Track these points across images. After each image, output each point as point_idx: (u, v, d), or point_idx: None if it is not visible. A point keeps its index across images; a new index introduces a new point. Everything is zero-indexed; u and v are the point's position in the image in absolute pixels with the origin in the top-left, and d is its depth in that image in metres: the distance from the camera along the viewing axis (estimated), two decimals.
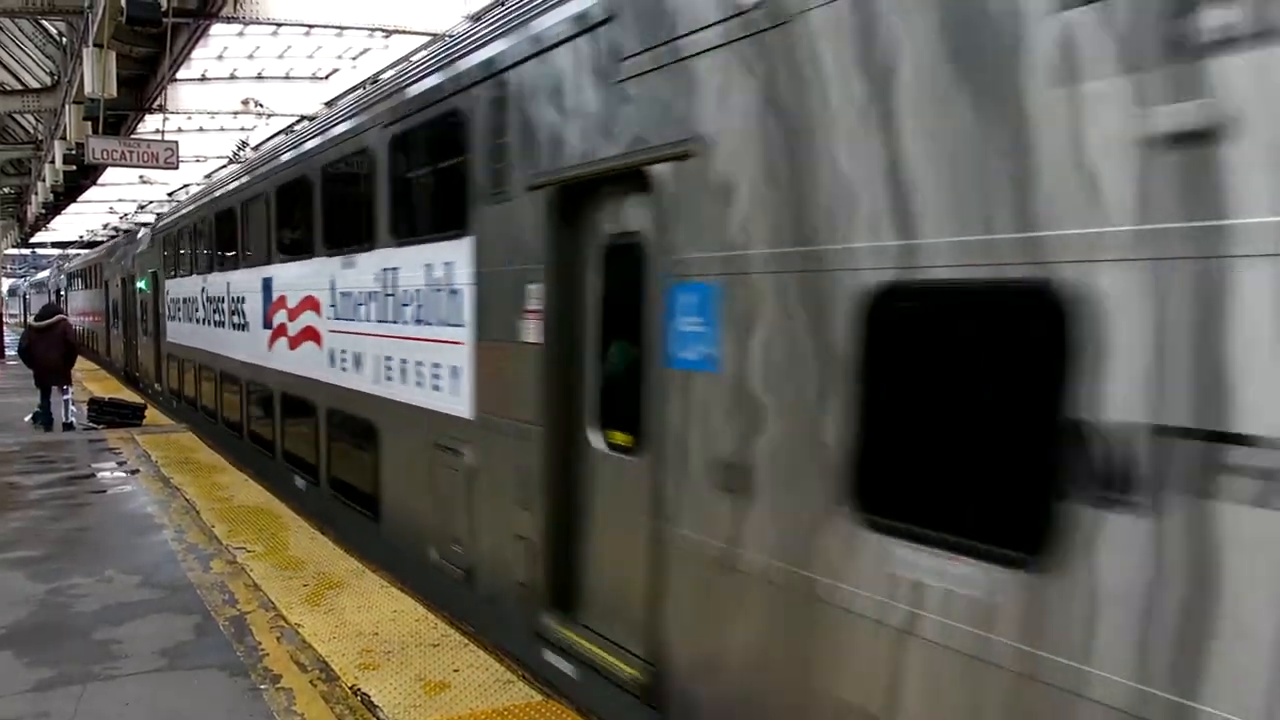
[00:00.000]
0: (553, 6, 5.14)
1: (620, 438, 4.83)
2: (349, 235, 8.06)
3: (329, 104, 17.37)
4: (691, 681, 4.13)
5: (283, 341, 10.11)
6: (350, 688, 5.03)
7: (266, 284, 10.61)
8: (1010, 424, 2.81)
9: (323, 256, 8.83)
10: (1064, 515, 2.59)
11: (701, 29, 3.94)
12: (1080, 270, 2.56)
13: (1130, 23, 2.46)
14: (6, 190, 34.61)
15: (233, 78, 20.64)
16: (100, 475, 11.14)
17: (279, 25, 14.97)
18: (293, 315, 9.74)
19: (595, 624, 5.01)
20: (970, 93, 2.86)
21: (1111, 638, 2.51)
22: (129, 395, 17.98)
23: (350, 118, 8.30)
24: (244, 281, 11.66)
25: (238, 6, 13.24)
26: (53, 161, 21.10)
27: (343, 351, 8.36)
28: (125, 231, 28.89)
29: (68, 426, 14.86)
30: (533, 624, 5.30)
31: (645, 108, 4.34)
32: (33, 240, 55.79)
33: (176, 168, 18.04)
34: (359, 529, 8.08)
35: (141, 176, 30.22)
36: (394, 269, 7.15)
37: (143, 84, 18.70)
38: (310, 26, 15.57)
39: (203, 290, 14.00)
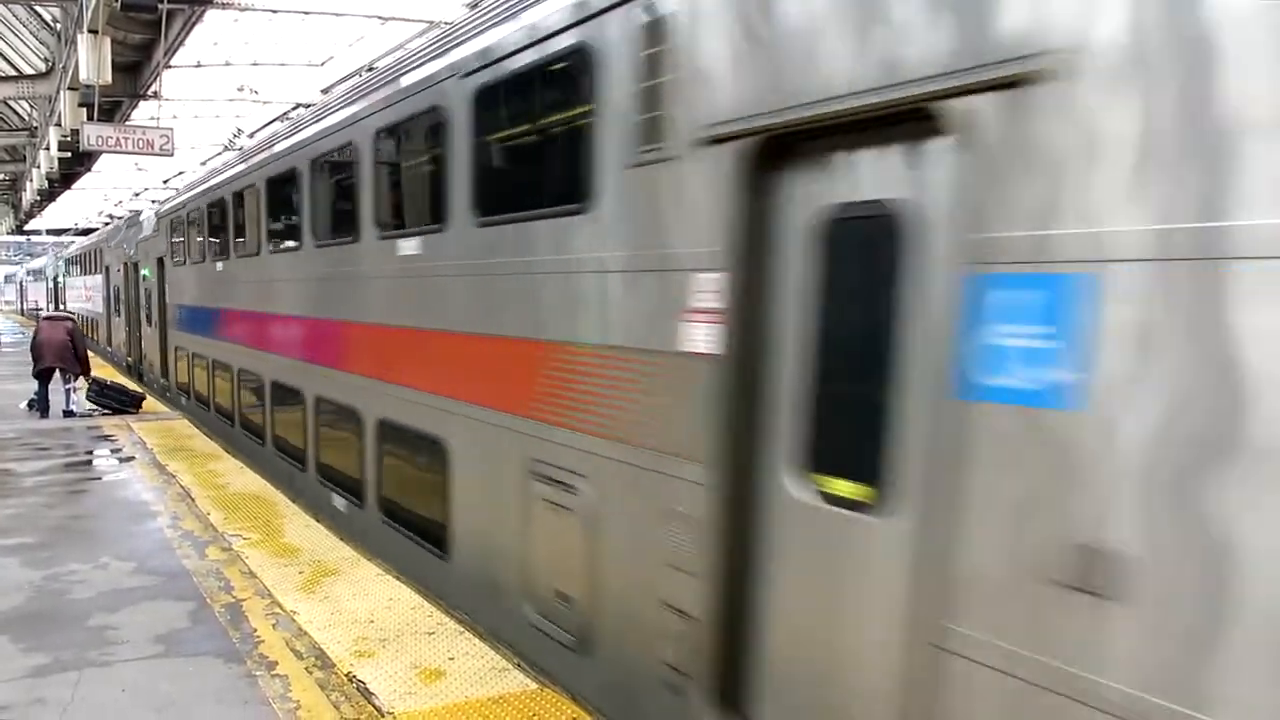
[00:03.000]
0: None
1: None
2: (89, 269, 31.30)
3: (324, 91, 17.31)
4: None
5: (87, 301, 32.12)
6: (346, 675, 5.05)
7: (84, 282, 32.84)
8: None
9: (89, 275, 31.20)
10: None
11: None
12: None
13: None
14: (2, 177, 34.66)
15: (227, 65, 20.56)
16: (96, 462, 11.16)
17: (274, 12, 14.91)
18: (89, 291, 31.74)
19: None
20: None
21: None
22: (129, 382, 17.99)
23: (87, 248, 33.14)
24: (81, 280, 33.82)
25: None
26: (48, 148, 21.04)
27: (94, 302, 30.60)
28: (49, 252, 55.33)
29: (69, 414, 14.81)
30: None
31: None
32: (27, 227, 55.71)
33: (172, 154, 17.99)
34: (102, 354, 25.05)
35: (137, 163, 30.12)
36: (96, 278, 28.94)
37: (138, 70, 18.64)
38: (306, 13, 15.51)
39: (76, 284, 35.70)
